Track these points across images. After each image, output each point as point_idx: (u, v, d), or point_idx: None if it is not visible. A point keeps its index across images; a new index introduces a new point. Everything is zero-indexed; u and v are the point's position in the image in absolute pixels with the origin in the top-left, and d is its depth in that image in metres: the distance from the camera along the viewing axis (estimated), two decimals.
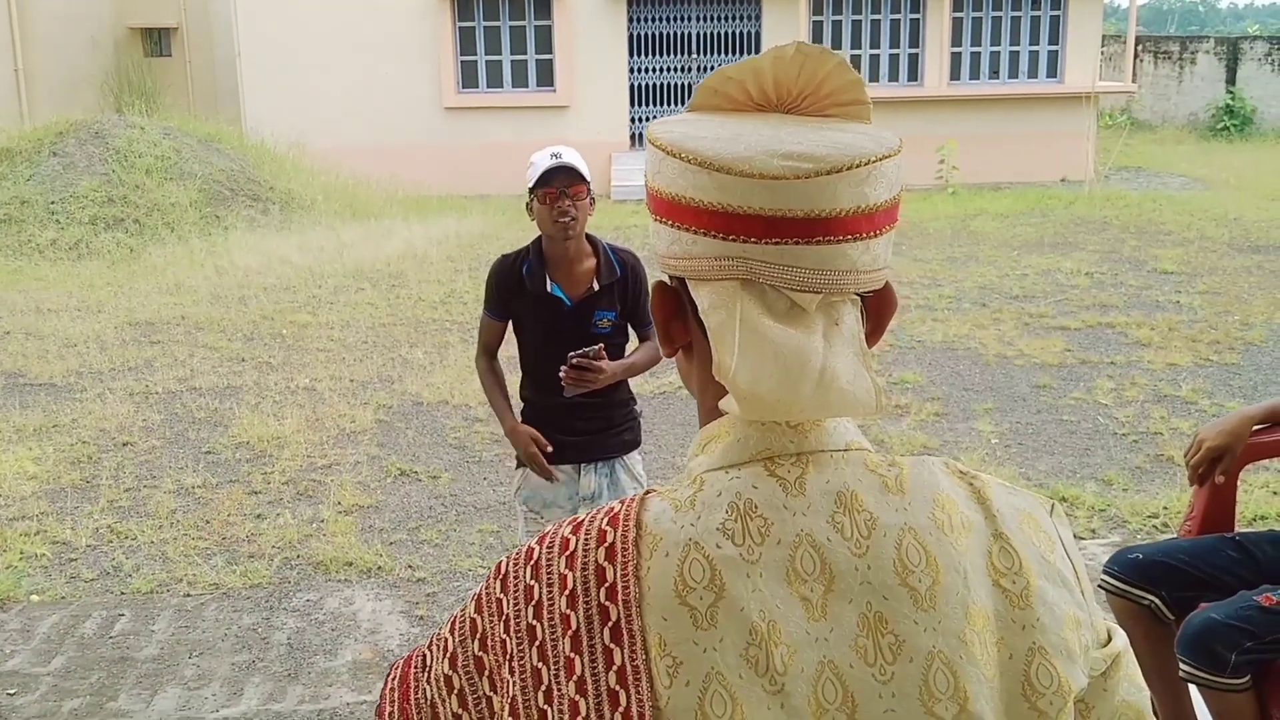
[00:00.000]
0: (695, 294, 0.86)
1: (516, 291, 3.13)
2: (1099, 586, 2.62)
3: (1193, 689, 2.51)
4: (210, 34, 20.95)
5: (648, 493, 0.87)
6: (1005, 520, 0.89)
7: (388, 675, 0.95)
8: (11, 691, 3.60)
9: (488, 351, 3.27)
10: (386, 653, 3.81)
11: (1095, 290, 8.99)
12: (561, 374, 2.95)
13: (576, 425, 3.16)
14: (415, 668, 0.92)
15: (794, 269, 0.84)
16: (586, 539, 0.84)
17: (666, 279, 0.93)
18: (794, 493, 0.84)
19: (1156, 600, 2.59)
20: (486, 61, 16.28)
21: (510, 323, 3.22)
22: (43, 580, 4.39)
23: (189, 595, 4.25)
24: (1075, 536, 4.62)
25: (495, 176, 14.87)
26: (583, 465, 3.22)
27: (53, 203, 11.48)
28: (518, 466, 3.28)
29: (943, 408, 6.24)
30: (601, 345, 2.98)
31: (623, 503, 0.86)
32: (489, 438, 5.88)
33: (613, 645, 0.80)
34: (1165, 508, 4.83)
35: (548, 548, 0.85)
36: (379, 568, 4.45)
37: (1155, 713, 2.29)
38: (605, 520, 0.85)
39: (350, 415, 6.23)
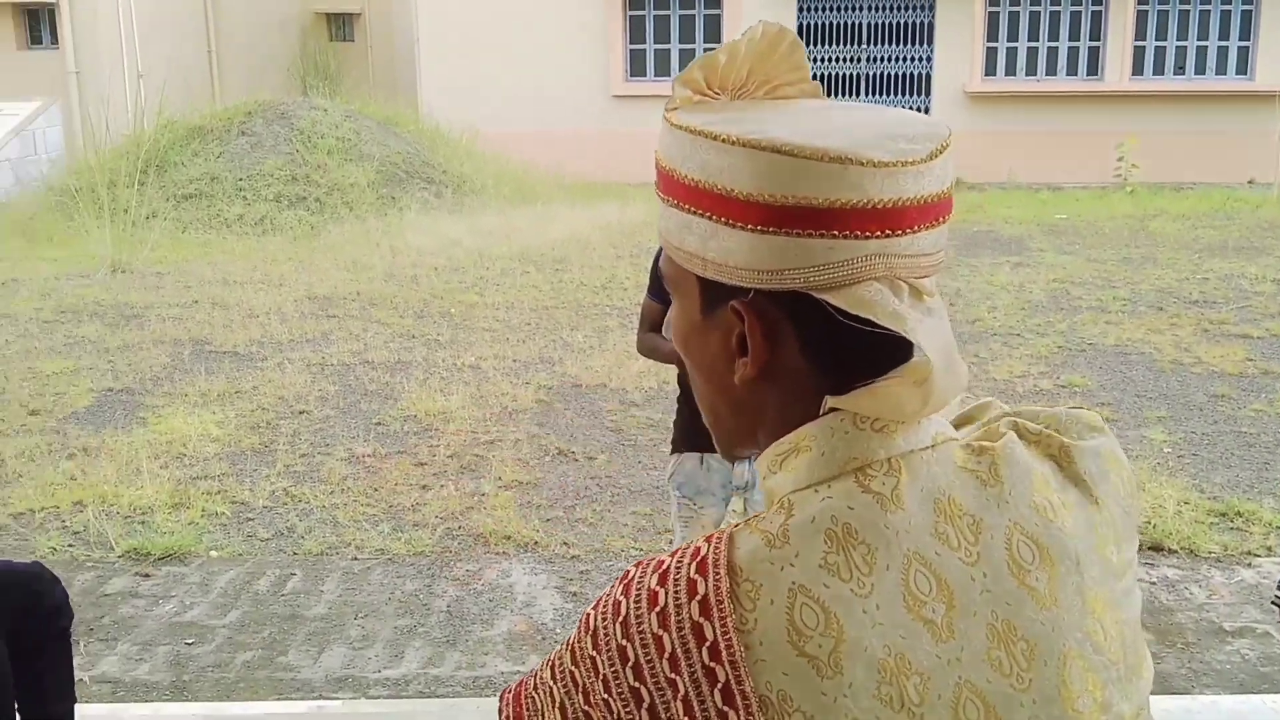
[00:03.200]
0: (831, 299, 0.79)
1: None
2: (1272, 603, 2.52)
3: None
4: (391, 20, 21.64)
5: (735, 527, 0.81)
6: (1096, 482, 0.87)
7: (500, 711, 0.91)
8: (190, 641, 3.83)
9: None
10: (540, 626, 3.92)
11: None
12: None
13: None
14: (527, 709, 0.87)
15: (919, 257, 0.81)
16: (676, 591, 0.78)
17: (747, 297, 0.82)
18: (892, 508, 0.79)
19: None
20: (655, 50, 16.39)
21: None
22: (221, 537, 4.65)
23: (356, 559, 4.45)
24: (1248, 554, 4.44)
25: None
26: None
27: (240, 180, 12.06)
28: (673, 452, 3.33)
29: (1113, 413, 6.04)
30: None
31: (709, 542, 0.80)
32: (644, 422, 5.96)
33: (726, 708, 0.75)
34: None
35: (635, 601, 0.79)
36: (535, 543, 4.57)
37: None
38: (694, 568, 0.78)
39: (512, 394, 6.39)
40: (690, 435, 3.22)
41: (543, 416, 6.09)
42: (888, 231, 0.78)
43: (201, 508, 4.88)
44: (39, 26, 17.13)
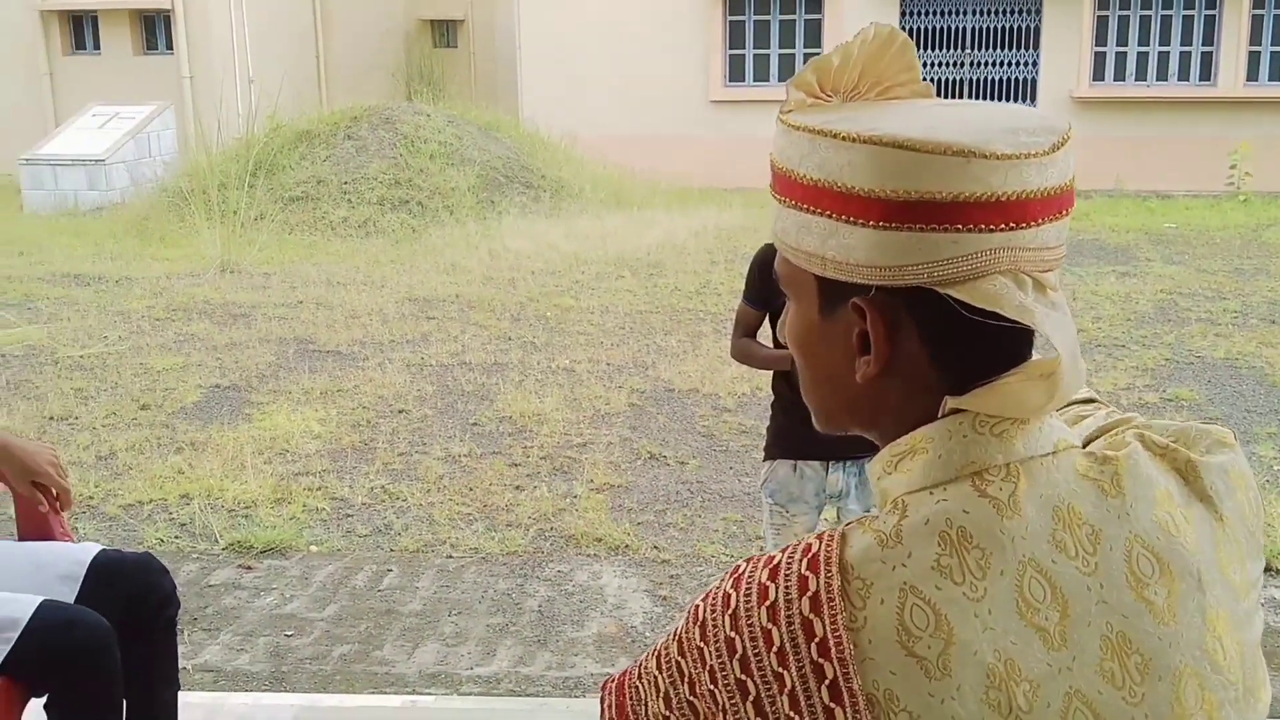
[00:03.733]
0: (955, 293, 0.79)
1: (777, 281, 3.16)
2: None
3: None
4: (494, 27, 21.93)
5: (847, 525, 0.81)
6: (1221, 499, 0.85)
7: (602, 701, 0.92)
8: (289, 633, 3.93)
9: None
10: (630, 629, 3.94)
11: None
12: None
13: None
14: (632, 699, 0.88)
15: (1042, 250, 0.81)
16: (787, 587, 0.78)
17: (868, 294, 0.82)
18: (1008, 514, 0.78)
19: None
20: (754, 55, 16.35)
21: (768, 315, 3.26)
22: (321, 532, 4.76)
23: (451, 557, 4.52)
24: None
25: (756, 170, 14.82)
26: (831, 462, 3.22)
27: (345, 183, 12.33)
28: (766, 458, 3.32)
29: None
30: None
31: (820, 539, 0.80)
32: (737, 428, 5.95)
33: (833, 705, 0.75)
34: None
35: (745, 594, 0.79)
36: (626, 546, 4.59)
37: None
38: (805, 564, 0.79)
39: (605, 397, 6.43)
40: (784, 442, 3.21)
41: (635, 420, 6.12)
42: (1012, 224, 0.78)
43: (302, 503, 5.00)
44: (155, 32, 17.72)
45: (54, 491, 2.55)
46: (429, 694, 3.52)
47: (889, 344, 0.83)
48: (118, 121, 15.14)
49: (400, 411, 6.25)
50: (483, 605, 4.12)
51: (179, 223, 11.66)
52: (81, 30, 17.88)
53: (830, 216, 0.81)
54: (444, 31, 22.88)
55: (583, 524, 4.75)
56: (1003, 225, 0.78)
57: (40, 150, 14.59)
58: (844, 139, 0.80)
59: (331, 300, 8.81)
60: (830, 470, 3.21)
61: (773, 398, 3.32)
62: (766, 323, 3.27)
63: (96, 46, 17.76)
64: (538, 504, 4.98)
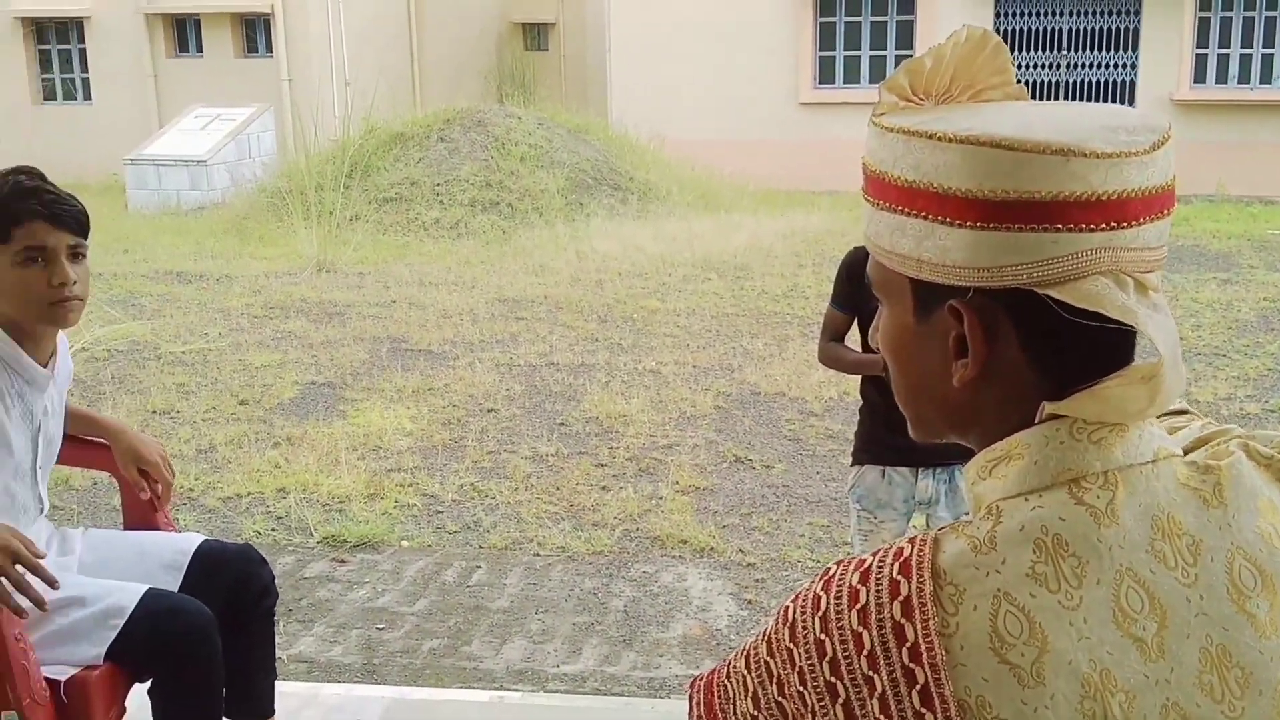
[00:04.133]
0: (1056, 294, 0.78)
1: (867, 285, 3.14)
2: None
3: None
4: (584, 30, 22.08)
5: (940, 530, 0.81)
6: None
7: (690, 699, 0.91)
8: (380, 626, 4.01)
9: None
10: (715, 631, 3.95)
11: None
12: None
13: None
14: (720, 698, 0.88)
15: (1144, 250, 0.79)
16: (878, 590, 0.78)
17: (966, 296, 0.81)
18: (1106, 522, 0.77)
19: None
20: (844, 57, 16.24)
21: (856, 319, 3.24)
22: (412, 528, 4.84)
23: (538, 555, 4.57)
24: None
25: (845, 173, 14.77)
26: (920, 469, 3.19)
27: (437, 185, 12.52)
28: (853, 463, 3.30)
29: None
30: None
31: (912, 544, 0.80)
32: (823, 432, 5.92)
33: (924, 710, 0.75)
34: None
35: (835, 597, 0.79)
36: (711, 548, 4.60)
37: None
38: (896, 568, 0.78)
39: (691, 400, 6.45)
40: (872, 447, 3.19)
41: (721, 423, 6.12)
42: (1113, 224, 0.77)
43: (394, 499, 5.10)
44: (255, 36, 18.16)
45: (157, 485, 2.64)
46: (516, 690, 3.56)
47: (987, 347, 0.81)
48: (219, 123, 15.56)
49: (489, 410, 6.33)
50: (569, 604, 4.16)
51: (277, 222, 11.94)
52: (185, 33, 18.40)
53: (926, 218, 0.81)
54: (535, 34, 23.10)
55: (668, 525, 4.77)
56: (1103, 225, 0.77)
57: (144, 151, 15.05)
58: (940, 139, 0.79)
59: (423, 300, 8.95)
60: (920, 477, 3.18)
61: (861, 402, 3.31)
62: (855, 327, 3.26)
63: (199, 49, 18.26)
64: (623, 504, 5.01)
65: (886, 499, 3.21)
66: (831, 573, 0.82)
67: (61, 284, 2.23)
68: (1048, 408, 0.81)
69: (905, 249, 0.83)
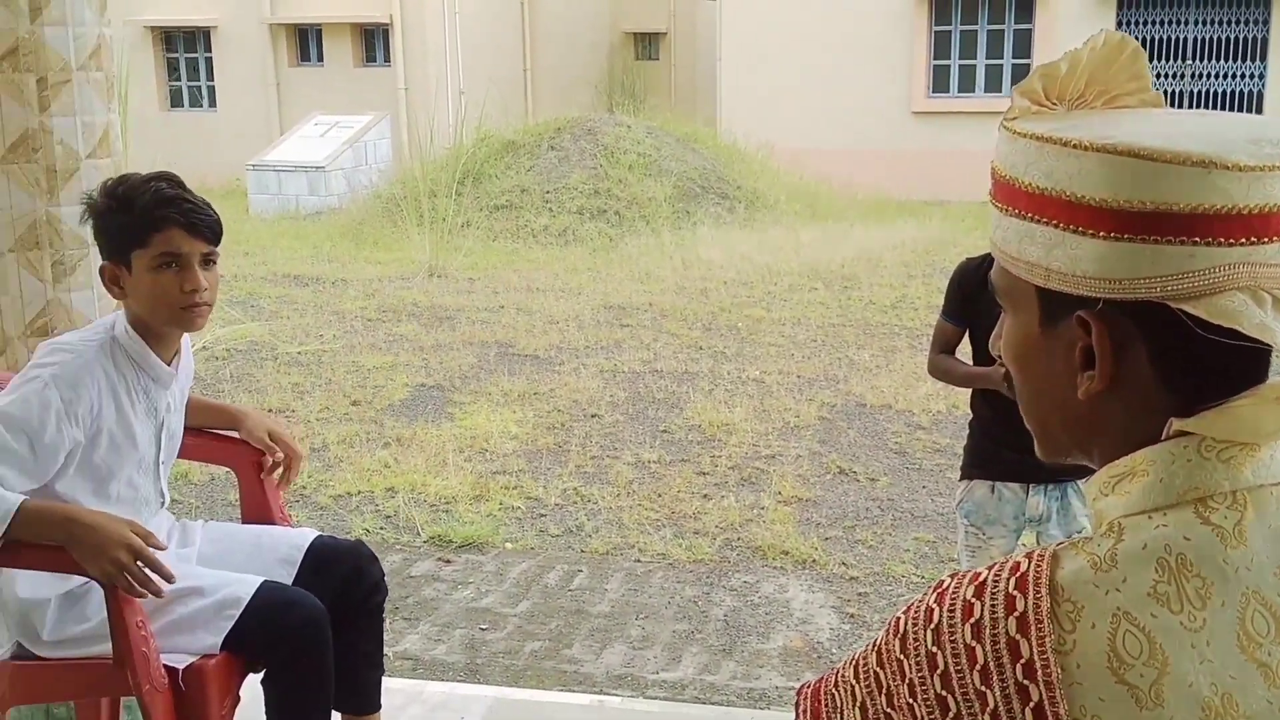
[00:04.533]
0: (1191, 309, 0.76)
1: (979, 297, 3.09)
2: None
3: None
4: (695, 39, 22.15)
5: (1059, 545, 0.79)
6: None
7: (797, 706, 0.92)
8: (484, 627, 4.06)
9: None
10: (816, 644, 3.92)
11: None
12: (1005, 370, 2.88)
13: (1026, 441, 3.05)
14: (827, 706, 0.87)
15: None
16: (993, 605, 0.77)
17: (1096, 307, 0.79)
18: (1233, 543, 0.75)
19: None
20: (960, 65, 16.00)
21: (968, 331, 3.19)
22: (516, 530, 4.90)
23: (639, 561, 4.59)
24: None
25: (958, 182, 14.58)
26: (1031, 485, 3.12)
27: (547, 193, 12.66)
28: (962, 478, 3.25)
29: None
30: None
31: (1030, 559, 0.78)
32: (931, 446, 5.83)
33: None
34: None
35: (949, 610, 0.78)
36: (813, 560, 4.56)
37: None
38: (1013, 583, 0.77)
39: (795, 410, 6.41)
40: (982, 461, 3.13)
41: (825, 434, 6.07)
42: (1253, 239, 0.75)
43: (499, 501, 5.17)
44: (374, 46, 18.60)
45: (282, 456, 2.70)
46: (616, 695, 3.58)
47: (1115, 360, 0.80)
48: (337, 130, 15.96)
49: (593, 416, 6.37)
50: (669, 611, 4.17)
51: (391, 228, 12.20)
52: (306, 43, 18.92)
53: (1056, 226, 0.79)
54: (646, 44, 23.23)
55: (769, 536, 4.75)
56: (1243, 239, 0.75)
57: (266, 157, 15.51)
58: (1074, 146, 0.78)
59: (531, 306, 9.06)
60: (1030, 493, 3.11)
61: (971, 416, 3.25)
62: (966, 339, 3.21)
63: (320, 59, 18.77)
64: (725, 513, 5.00)
65: (996, 515, 3.14)
66: (945, 585, 0.81)
67: (193, 290, 2.31)
68: (1175, 424, 0.79)
69: (1033, 256, 0.82)
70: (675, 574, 4.47)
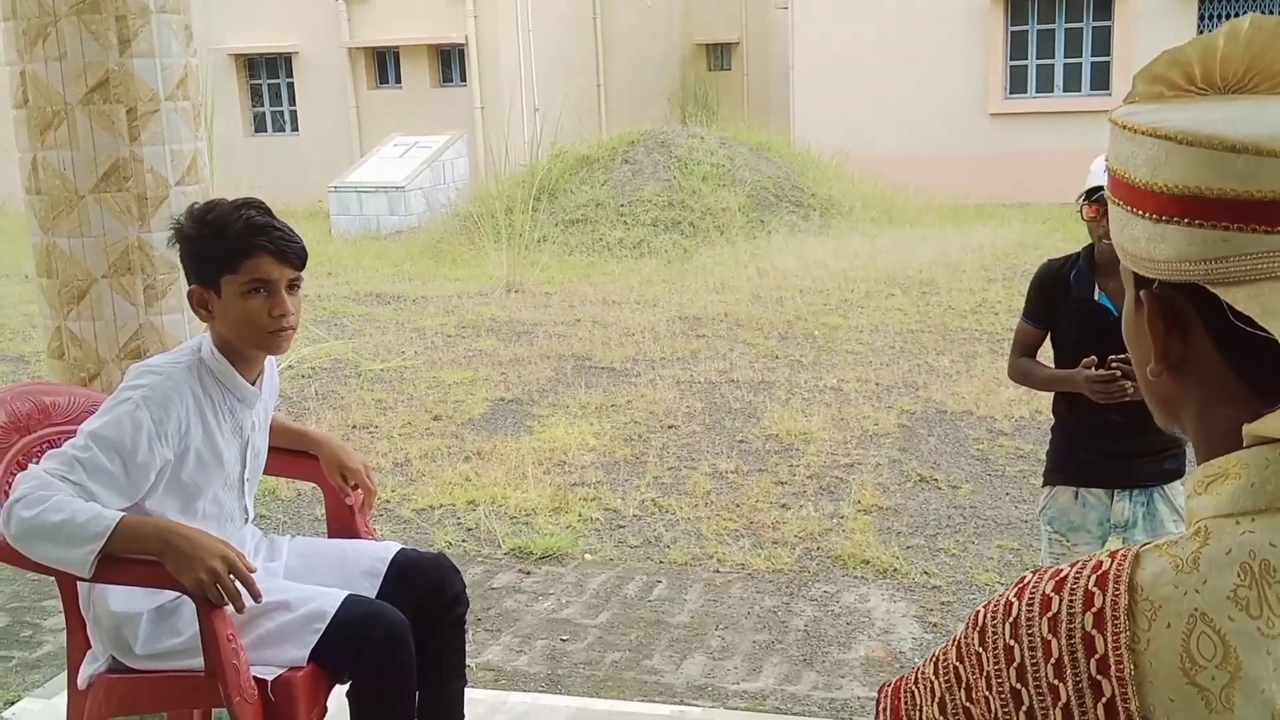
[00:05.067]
0: (1227, 297, 0.77)
1: (1060, 299, 3.05)
2: None
3: None
4: (767, 48, 22.11)
5: (1143, 546, 0.79)
6: None
7: (877, 704, 0.93)
8: (564, 638, 4.09)
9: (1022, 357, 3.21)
10: (899, 654, 3.88)
11: None
12: (1090, 371, 2.84)
13: (1110, 446, 3.02)
14: (907, 704, 0.88)
15: None
16: (1071, 600, 0.77)
17: (1152, 286, 0.82)
18: None
19: None
20: (1037, 65, 15.76)
21: (1049, 334, 3.15)
22: (595, 541, 4.93)
23: (718, 571, 4.59)
24: None
25: (1037, 184, 14.37)
26: (1116, 491, 3.07)
27: (621, 205, 12.73)
28: (1045, 484, 3.21)
29: None
30: None
31: (1113, 557, 0.78)
32: (1013, 452, 5.75)
33: None
34: None
35: (1027, 604, 0.79)
36: (895, 569, 4.52)
37: None
38: (1093, 580, 0.77)
39: (874, 418, 6.36)
40: (1065, 467, 3.09)
41: (904, 442, 6.02)
42: None
43: (578, 513, 5.20)
44: (450, 66, 18.85)
45: (358, 491, 2.78)
46: (696, 705, 3.58)
47: (1176, 342, 0.82)
48: (416, 150, 16.22)
49: (670, 427, 6.39)
50: (749, 621, 4.16)
51: (469, 245, 12.36)
52: (384, 66, 19.25)
53: (1123, 207, 0.84)
54: (719, 54, 23.24)
55: (850, 545, 4.72)
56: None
57: (347, 178, 15.81)
58: (1129, 130, 0.82)
59: (607, 319, 9.11)
60: (1115, 499, 3.06)
61: (1053, 420, 3.21)
62: (1048, 342, 3.17)
63: (398, 80, 19.08)
64: (804, 523, 4.98)
65: (1080, 521, 3.10)
66: (1026, 580, 0.82)
67: (281, 315, 2.38)
68: (1251, 428, 0.78)
69: (1118, 237, 0.87)
70: (754, 584, 4.47)
